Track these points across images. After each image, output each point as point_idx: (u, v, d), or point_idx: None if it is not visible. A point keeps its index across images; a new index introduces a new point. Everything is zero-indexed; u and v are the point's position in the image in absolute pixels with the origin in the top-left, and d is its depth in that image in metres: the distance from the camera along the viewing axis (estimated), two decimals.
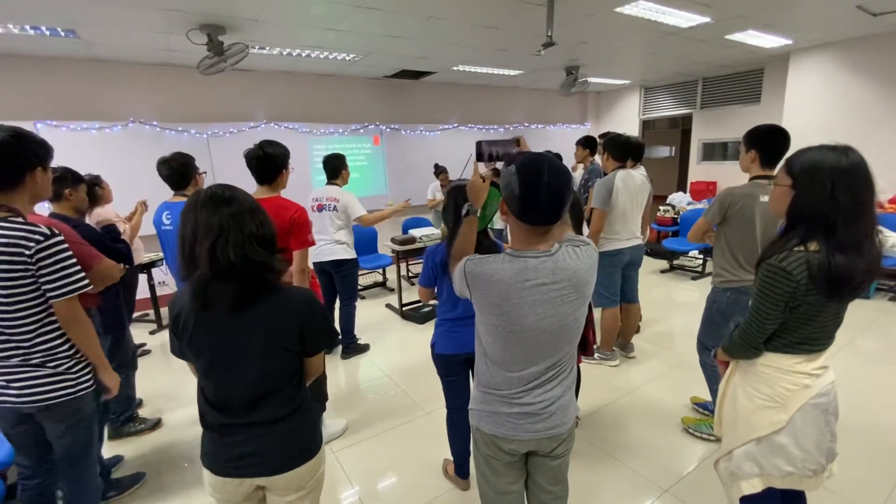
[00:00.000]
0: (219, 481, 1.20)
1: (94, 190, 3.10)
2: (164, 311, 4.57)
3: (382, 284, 5.79)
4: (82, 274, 1.50)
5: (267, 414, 1.17)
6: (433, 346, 2.03)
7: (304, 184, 5.89)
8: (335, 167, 3.48)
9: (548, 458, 1.33)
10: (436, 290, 2.03)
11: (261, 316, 1.14)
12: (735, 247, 2.22)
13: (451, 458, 2.24)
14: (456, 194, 1.90)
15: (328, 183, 3.52)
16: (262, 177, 2.27)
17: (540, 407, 1.24)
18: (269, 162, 2.24)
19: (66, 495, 1.74)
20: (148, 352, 4.01)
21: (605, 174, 3.26)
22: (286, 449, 1.21)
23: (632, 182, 3.11)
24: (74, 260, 1.48)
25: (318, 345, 1.26)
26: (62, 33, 3.71)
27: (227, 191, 1.14)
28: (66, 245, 1.46)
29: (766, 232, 2.16)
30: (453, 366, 2.01)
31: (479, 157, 1.45)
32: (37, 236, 1.39)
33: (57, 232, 1.45)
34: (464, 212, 1.47)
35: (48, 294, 1.44)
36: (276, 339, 1.16)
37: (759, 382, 1.36)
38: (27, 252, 1.37)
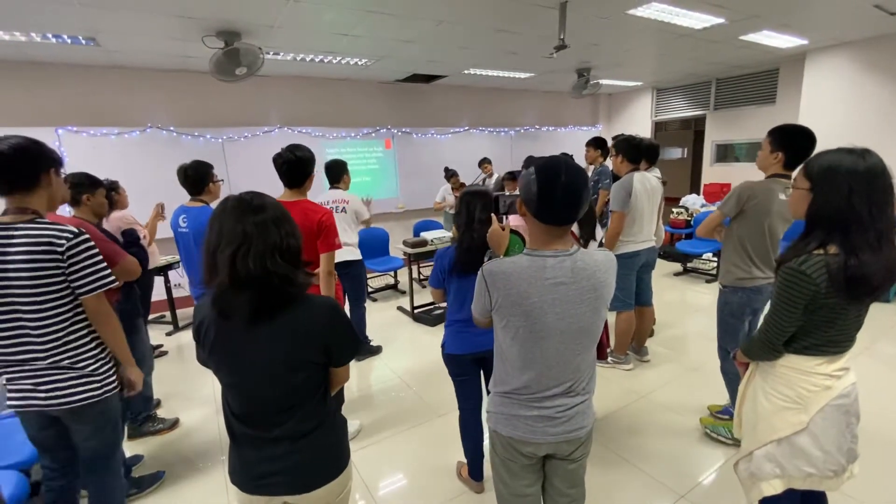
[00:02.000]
0: (246, 498, 1.19)
1: (111, 195, 3.16)
2: (181, 312, 4.67)
3: (394, 287, 5.81)
4: (109, 270, 1.55)
5: (291, 429, 1.14)
6: (443, 346, 2.06)
7: (317, 186, 5.90)
8: (337, 174, 3.55)
9: (565, 462, 1.33)
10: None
11: (282, 329, 1.09)
12: (748, 242, 2.20)
13: (465, 461, 2.24)
14: (468, 199, 1.93)
15: (332, 187, 3.58)
16: (291, 180, 2.27)
17: (559, 410, 1.24)
18: (300, 166, 2.24)
19: (91, 496, 1.76)
20: (165, 353, 4.08)
21: (617, 176, 3.25)
22: (313, 467, 1.17)
23: (648, 184, 3.10)
24: (101, 257, 1.53)
25: (343, 356, 1.21)
26: (83, 41, 3.81)
27: (256, 198, 1.10)
28: (93, 243, 1.51)
29: (773, 230, 2.16)
30: (463, 365, 2.04)
31: (496, 211, 1.51)
32: (67, 234, 1.44)
33: (84, 231, 1.50)
34: (486, 258, 1.50)
35: (78, 290, 1.48)
36: (298, 354, 1.11)
37: (780, 384, 1.36)
38: (59, 249, 1.42)
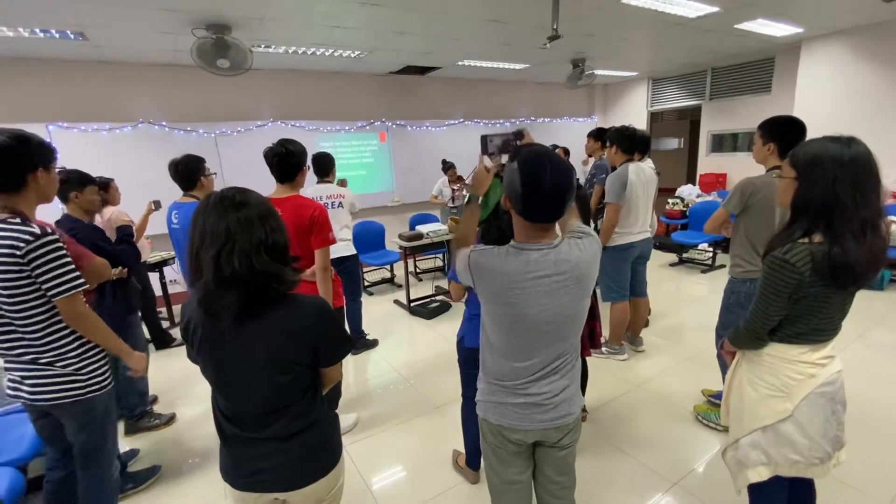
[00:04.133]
0: (238, 494, 1.20)
1: (101, 193, 3.13)
2: (177, 309, 4.65)
3: (390, 280, 5.81)
4: (77, 272, 1.49)
5: (280, 429, 1.13)
6: (462, 338, 2.03)
7: (309, 181, 5.89)
8: (326, 166, 3.48)
9: (554, 449, 1.35)
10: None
11: (269, 329, 1.07)
12: (754, 237, 2.21)
13: (461, 450, 2.26)
14: None
15: (320, 181, 3.51)
16: (282, 175, 2.25)
17: (545, 397, 1.26)
18: (291, 160, 2.22)
19: (81, 491, 1.77)
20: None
21: (613, 168, 3.24)
22: (302, 465, 1.17)
23: (643, 175, 3.10)
24: (69, 259, 1.47)
25: (333, 356, 1.19)
26: (71, 36, 3.76)
27: (239, 194, 1.06)
28: (59, 244, 1.45)
29: (783, 222, 2.16)
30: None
31: (484, 150, 1.47)
32: (27, 236, 1.38)
33: (50, 231, 1.44)
34: (465, 199, 1.48)
35: (48, 293, 1.44)
36: (285, 354, 1.09)
37: (765, 372, 1.37)
38: (18, 252, 1.37)
